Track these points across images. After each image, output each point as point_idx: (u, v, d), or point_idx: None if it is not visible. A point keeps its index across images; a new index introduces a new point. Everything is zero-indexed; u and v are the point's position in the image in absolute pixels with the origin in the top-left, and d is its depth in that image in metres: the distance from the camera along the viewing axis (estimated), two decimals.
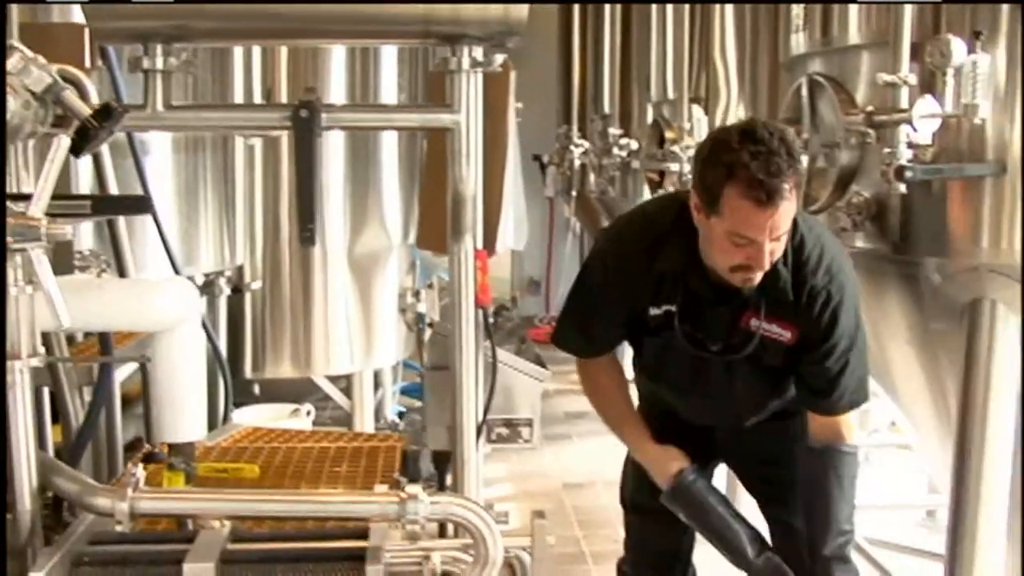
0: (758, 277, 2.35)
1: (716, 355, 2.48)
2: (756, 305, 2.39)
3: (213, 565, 1.71)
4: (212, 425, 3.33)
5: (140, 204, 2.90)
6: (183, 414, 2.08)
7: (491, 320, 2.44)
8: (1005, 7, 2.58)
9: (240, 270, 5.06)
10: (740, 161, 2.19)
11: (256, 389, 5.57)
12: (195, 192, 4.10)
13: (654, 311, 2.45)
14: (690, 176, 2.64)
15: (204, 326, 3.97)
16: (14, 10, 1.90)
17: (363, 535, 1.83)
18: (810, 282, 2.38)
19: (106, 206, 2.67)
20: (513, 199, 3.03)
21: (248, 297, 5.28)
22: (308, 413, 5.05)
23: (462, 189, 1.96)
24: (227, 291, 4.28)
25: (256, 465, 2.34)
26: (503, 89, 2.76)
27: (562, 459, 6.11)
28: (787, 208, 2.22)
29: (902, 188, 2.79)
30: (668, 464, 2.54)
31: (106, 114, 1.70)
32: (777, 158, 2.19)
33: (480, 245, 2.07)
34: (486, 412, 2.12)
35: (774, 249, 2.29)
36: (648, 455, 2.59)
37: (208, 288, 4.19)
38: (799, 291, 2.38)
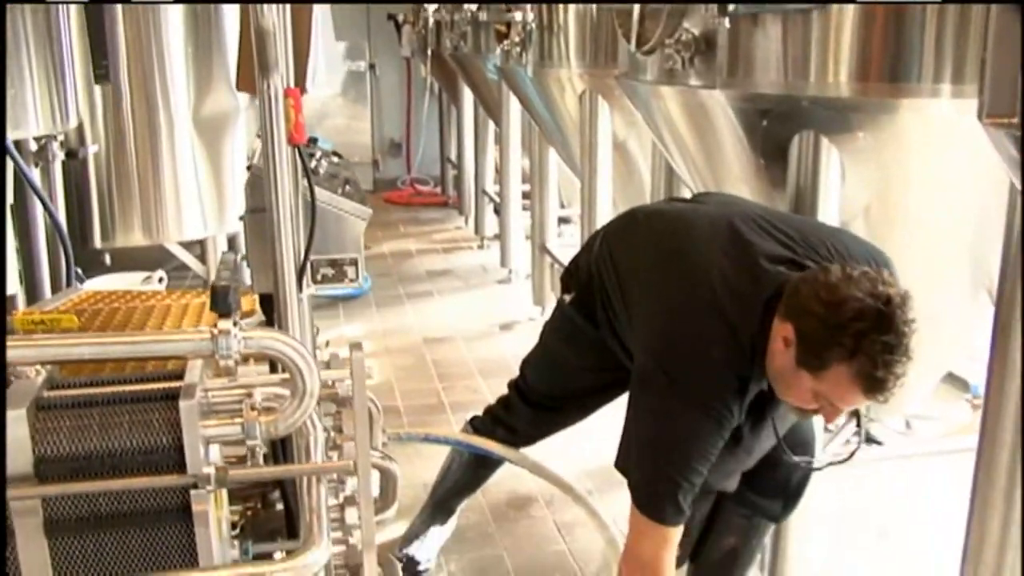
0: (828, 422, 2.37)
1: None
2: None
3: (25, 411, 1.69)
4: None
5: None
6: None
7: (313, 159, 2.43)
8: None
9: (81, 134, 4.88)
10: (868, 351, 2.09)
11: (108, 260, 5.44)
12: (16, 53, 3.89)
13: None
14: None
15: (38, 193, 3.86)
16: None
17: (182, 376, 1.83)
18: None
19: None
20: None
21: (92, 163, 5.11)
22: (160, 280, 4.95)
23: (264, 24, 1.91)
24: (61, 156, 4.11)
25: (74, 315, 2.28)
26: None
27: (423, 316, 6.19)
28: None
29: (726, 23, 2.83)
30: None
31: None
32: (904, 357, 2.11)
33: (292, 83, 2.03)
34: (307, 252, 2.11)
35: None
36: None
37: (40, 153, 4.02)
38: None
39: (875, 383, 2.12)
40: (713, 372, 2.31)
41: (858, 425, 2.56)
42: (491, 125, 7.57)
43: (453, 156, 9.01)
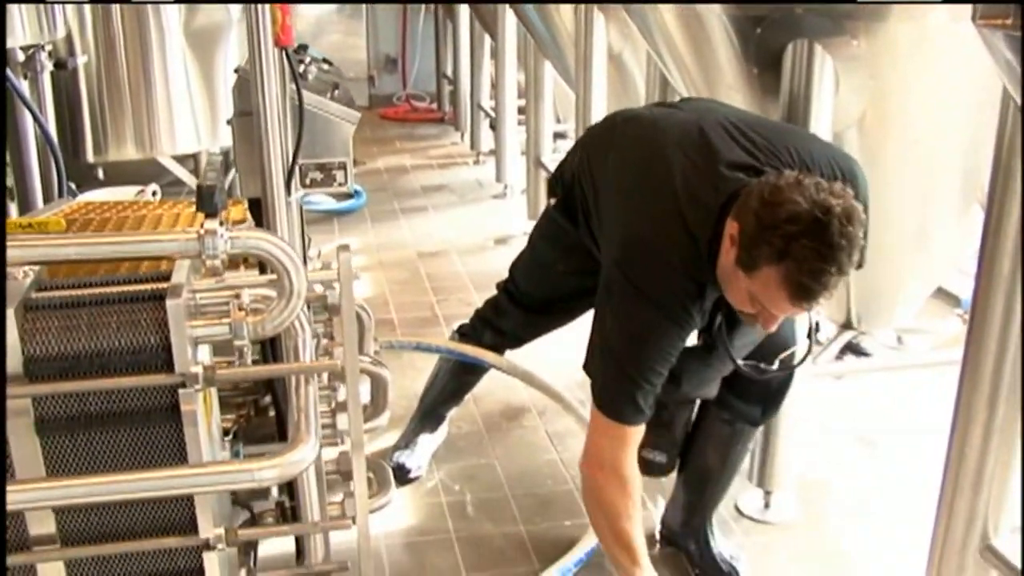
0: (765, 328, 2.33)
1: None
2: None
3: (13, 311, 1.70)
4: None
5: None
6: None
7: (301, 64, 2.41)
8: None
9: (70, 44, 4.83)
10: (795, 255, 2.07)
11: (101, 174, 5.41)
12: None
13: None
14: None
15: (27, 103, 3.83)
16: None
17: (169, 277, 1.84)
18: None
19: None
20: None
21: (82, 75, 5.07)
22: (154, 194, 4.92)
23: None
24: (49, 66, 4.06)
25: (62, 218, 2.28)
26: None
27: (418, 230, 6.19)
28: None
29: None
30: None
31: None
32: (834, 268, 2.07)
33: None
34: (295, 156, 2.10)
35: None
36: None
37: (28, 64, 3.97)
38: None
39: (801, 290, 2.11)
40: (672, 277, 2.35)
41: (809, 337, 2.57)
42: (487, 40, 7.49)
43: (449, 72, 8.92)
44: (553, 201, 2.92)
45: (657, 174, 2.45)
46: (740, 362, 2.56)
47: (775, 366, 2.63)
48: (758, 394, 2.78)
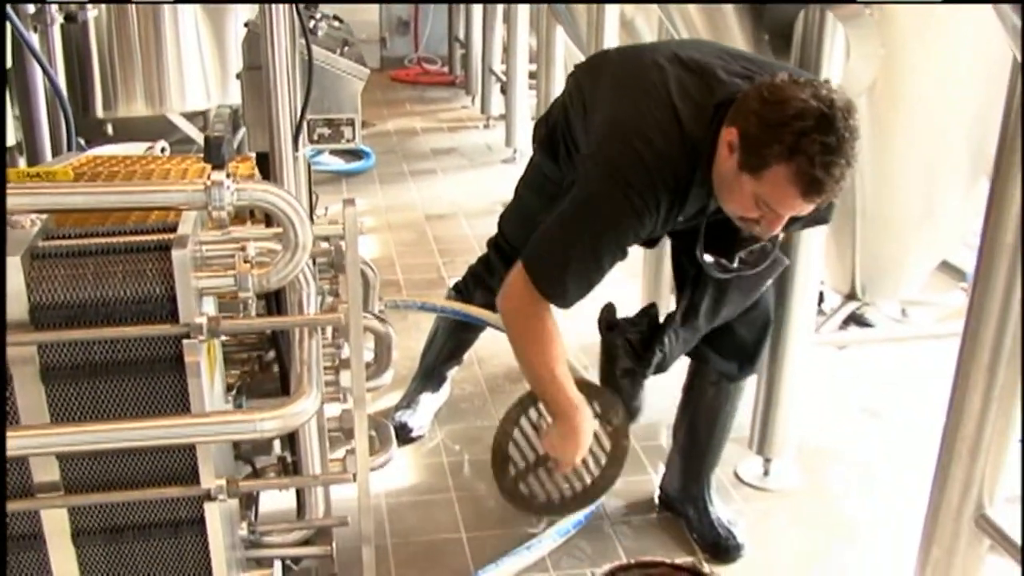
0: (761, 235, 2.34)
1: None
2: None
3: (19, 258, 1.71)
4: None
5: None
6: None
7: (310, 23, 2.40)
8: None
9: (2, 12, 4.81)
10: (806, 150, 2.08)
11: (110, 130, 5.42)
12: None
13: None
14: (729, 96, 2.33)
15: (36, 56, 3.82)
16: None
17: (176, 229, 1.85)
18: None
19: None
20: None
21: (93, 30, 5.06)
22: (163, 151, 4.92)
23: None
24: (59, 19, 4.05)
25: (70, 169, 2.29)
26: None
27: (426, 193, 6.19)
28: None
29: None
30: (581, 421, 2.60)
31: None
32: (843, 160, 2.10)
33: None
34: (304, 111, 2.11)
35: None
36: (570, 404, 2.59)
37: (38, 16, 3.96)
38: None
39: (814, 183, 2.13)
40: (649, 160, 2.32)
41: (772, 243, 2.57)
42: (500, 4, 7.45)
43: (461, 35, 8.88)
44: (536, 144, 2.90)
45: (649, 78, 2.43)
46: (707, 258, 2.53)
47: (735, 264, 2.60)
48: (734, 349, 2.81)
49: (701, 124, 2.29)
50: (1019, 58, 1.88)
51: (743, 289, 2.66)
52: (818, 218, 2.51)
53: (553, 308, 2.52)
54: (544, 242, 2.47)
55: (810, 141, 2.08)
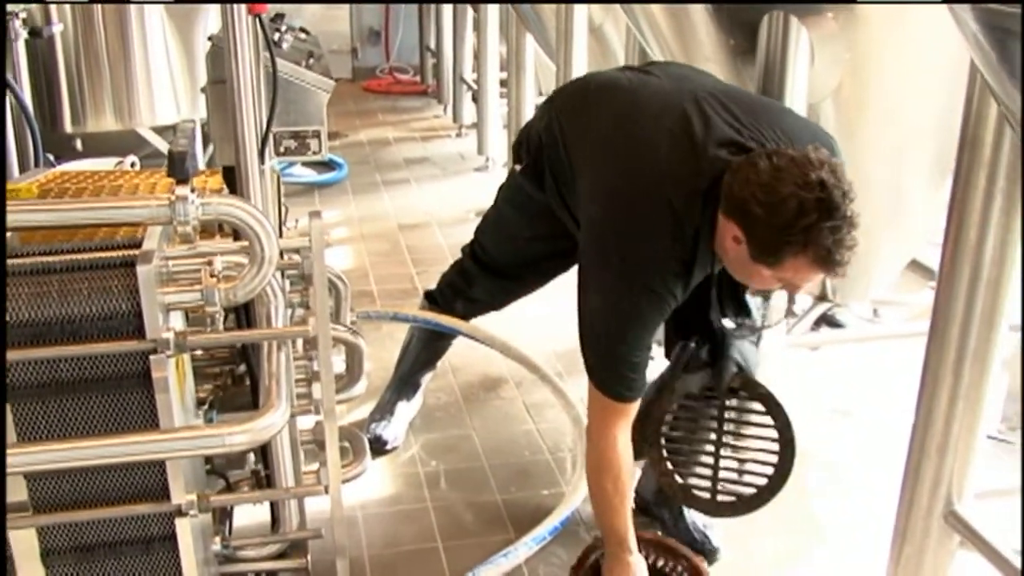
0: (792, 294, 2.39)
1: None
2: None
3: None
4: None
5: None
6: None
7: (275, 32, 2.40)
8: None
9: (46, 12, 4.79)
10: (819, 240, 2.10)
11: (79, 145, 5.38)
12: None
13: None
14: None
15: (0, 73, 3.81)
16: None
17: (141, 244, 1.84)
18: None
19: None
20: None
21: (59, 44, 5.03)
22: (133, 165, 4.90)
23: None
24: (24, 35, 4.03)
25: (35, 186, 2.28)
26: None
27: (400, 203, 6.18)
28: None
29: None
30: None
31: None
32: (851, 228, 2.12)
33: None
34: (269, 123, 2.11)
35: None
36: (627, 559, 2.58)
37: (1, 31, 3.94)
38: None
39: (833, 263, 2.15)
40: (657, 257, 2.35)
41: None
42: (470, 12, 7.46)
43: (432, 44, 8.88)
44: (519, 167, 2.89)
45: (638, 147, 2.44)
46: (725, 322, 2.58)
47: (760, 324, 2.66)
48: (703, 363, 2.80)
49: (694, 210, 2.31)
50: (979, 66, 1.90)
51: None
52: None
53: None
54: (598, 360, 2.48)
55: (819, 231, 2.10)
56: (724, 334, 2.62)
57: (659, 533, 2.82)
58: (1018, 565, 2.10)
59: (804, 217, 2.10)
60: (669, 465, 2.71)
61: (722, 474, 2.69)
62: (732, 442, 2.72)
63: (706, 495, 2.71)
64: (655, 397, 2.66)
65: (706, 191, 2.29)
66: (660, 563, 2.70)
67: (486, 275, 3.17)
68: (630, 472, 2.55)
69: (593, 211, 2.51)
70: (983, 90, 1.99)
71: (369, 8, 9.90)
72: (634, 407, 2.50)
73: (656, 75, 2.71)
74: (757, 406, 2.65)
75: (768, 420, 2.65)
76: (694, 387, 2.67)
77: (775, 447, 2.65)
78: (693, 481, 2.71)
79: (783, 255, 2.16)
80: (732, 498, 2.70)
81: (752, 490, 2.68)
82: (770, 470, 2.66)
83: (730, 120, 2.39)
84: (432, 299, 3.33)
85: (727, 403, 2.67)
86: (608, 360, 2.45)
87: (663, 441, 2.70)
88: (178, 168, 1.68)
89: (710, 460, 2.70)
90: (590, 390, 2.51)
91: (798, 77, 2.76)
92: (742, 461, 2.72)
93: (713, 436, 2.69)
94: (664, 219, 2.33)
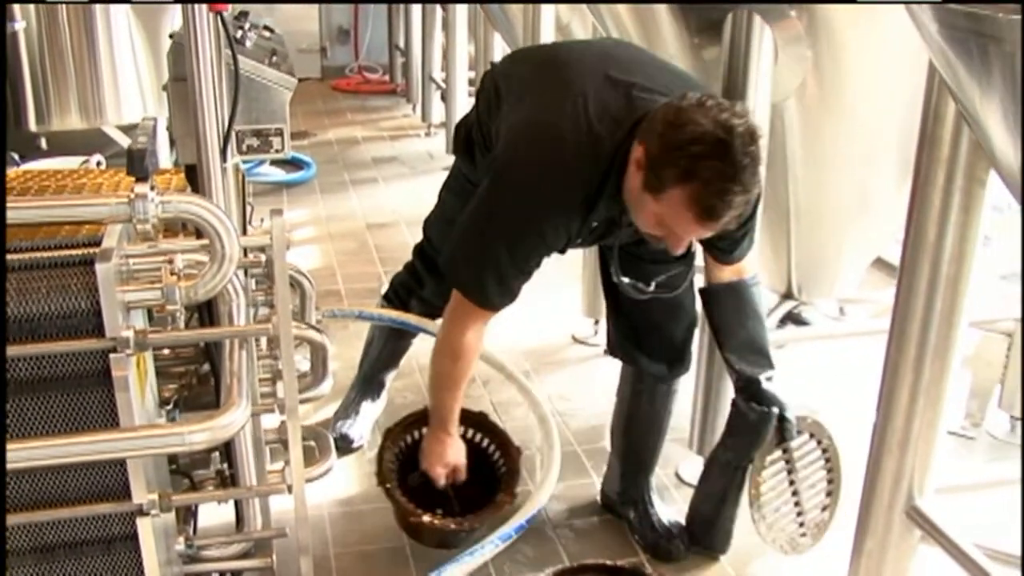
0: (673, 251, 2.35)
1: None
2: None
3: None
4: None
5: None
6: None
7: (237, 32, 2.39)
8: None
9: (6, 8, 4.73)
10: (701, 174, 2.10)
11: (44, 144, 5.33)
12: None
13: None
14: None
15: None
16: None
17: (100, 243, 1.83)
18: None
19: None
20: None
21: (22, 42, 4.98)
22: (99, 164, 4.87)
23: None
24: None
25: None
26: None
27: (368, 202, 6.17)
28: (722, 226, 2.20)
29: None
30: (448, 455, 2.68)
31: None
32: (738, 188, 2.11)
33: None
34: (231, 122, 2.09)
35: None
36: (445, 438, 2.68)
37: None
38: None
39: (707, 210, 2.15)
40: (561, 175, 2.34)
41: (688, 266, 2.70)
42: (438, 11, 7.45)
43: (401, 43, 8.87)
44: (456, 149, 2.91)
45: (567, 82, 2.44)
46: (624, 279, 2.59)
47: (651, 288, 2.65)
48: (663, 350, 2.85)
49: (615, 138, 2.31)
50: (937, 65, 1.92)
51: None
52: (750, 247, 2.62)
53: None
54: (462, 255, 2.52)
55: (704, 167, 2.11)
56: (759, 390, 2.71)
57: (484, 413, 2.98)
58: (978, 560, 2.12)
59: (696, 145, 2.10)
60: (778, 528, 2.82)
61: (808, 516, 2.83)
62: (802, 480, 2.82)
63: (809, 541, 2.84)
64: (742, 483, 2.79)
65: (634, 123, 2.30)
66: (478, 438, 2.91)
67: (430, 270, 3.16)
68: (471, 361, 2.58)
69: (509, 134, 2.49)
70: (941, 89, 2.01)
71: (338, 7, 9.87)
72: (492, 314, 2.52)
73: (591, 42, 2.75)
74: (806, 438, 2.80)
75: (813, 444, 2.82)
76: (766, 454, 2.74)
77: (828, 464, 2.84)
78: (791, 529, 2.82)
79: (665, 180, 2.15)
80: (816, 528, 2.85)
81: (827, 514, 2.85)
82: (829, 485, 2.84)
83: (670, 80, 2.45)
84: (387, 300, 3.33)
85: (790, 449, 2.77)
86: (479, 265, 2.45)
87: (766, 515, 2.79)
88: (137, 166, 1.67)
89: (796, 507, 2.81)
90: (453, 292, 2.54)
91: (762, 75, 2.77)
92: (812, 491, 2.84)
93: (787, 484, 2.79)
94: (581, 136, 2.33)
